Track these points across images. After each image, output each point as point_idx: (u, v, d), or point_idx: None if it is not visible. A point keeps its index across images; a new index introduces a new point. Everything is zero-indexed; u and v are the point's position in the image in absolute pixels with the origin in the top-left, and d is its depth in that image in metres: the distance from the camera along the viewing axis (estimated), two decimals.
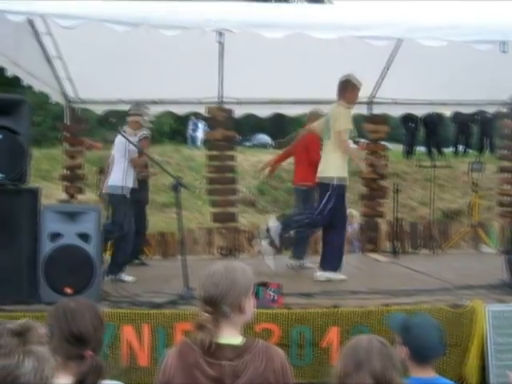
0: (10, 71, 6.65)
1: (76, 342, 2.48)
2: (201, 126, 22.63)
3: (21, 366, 1.40)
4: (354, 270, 6.94)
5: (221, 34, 5.28)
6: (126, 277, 6.30)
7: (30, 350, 1.44)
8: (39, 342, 1.49)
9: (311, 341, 4.69)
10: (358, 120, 10.18)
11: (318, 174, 6.48)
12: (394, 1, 6.12)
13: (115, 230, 6.31)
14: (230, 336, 2.46)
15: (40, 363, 1.44)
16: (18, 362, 1.40)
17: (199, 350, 2.42)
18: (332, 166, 6.35)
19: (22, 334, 1.47)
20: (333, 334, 4.70)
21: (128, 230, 6.39)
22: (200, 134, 23.41)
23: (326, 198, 6.30)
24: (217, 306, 2.45)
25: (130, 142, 6.25)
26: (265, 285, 4.87)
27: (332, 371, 2.31)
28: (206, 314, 2.44)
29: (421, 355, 3.17)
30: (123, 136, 6.31)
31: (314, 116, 7.62)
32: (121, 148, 6.45)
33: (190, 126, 24.08)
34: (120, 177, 6.40)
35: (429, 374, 3.18)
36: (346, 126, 6.36)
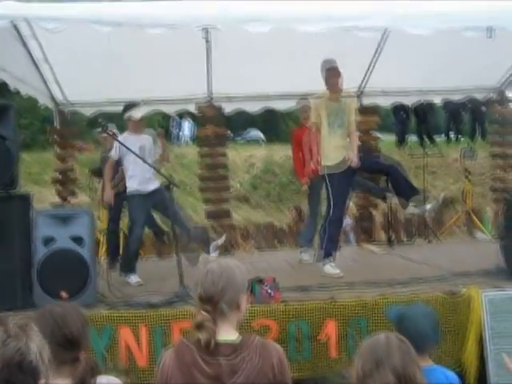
0: None
1: (69, 346, 2.47)
2: (186, 124, 22.54)
3: (28, 348, 1.59)
4: (350, 262, 6.94)
5: (207, 30, 5.26)
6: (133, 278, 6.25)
7: (32, 337, 1.64)
8: (36, 334, 1.67)
9: (309, 335, 4.69)
10: None
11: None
12: None
13: None
14: (227, 333, 2.47)
15: (41, 348, 1.64)
16: (26, 345, 1.59)
17: (196, 348, 2.42)
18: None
19: (22, 326, 1.65)
20: (330, 327, 4.70)
21: None
22: (186, 131, 23.36)
23: None
24: (215, 304, 2.45)
25: (121, 144, 6.22)
26: (260, 281, 4.87)
27: (350, 372, 2.28)
28: (204, 313, 2.44)
29: (415, 345, 3.17)
30: (114, 138, 6.28)
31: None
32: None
33: (173, 125, 23.98)
34: None
35: (425, 362, 3.19)
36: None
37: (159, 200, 6.19)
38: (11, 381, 1.52)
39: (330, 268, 6.11)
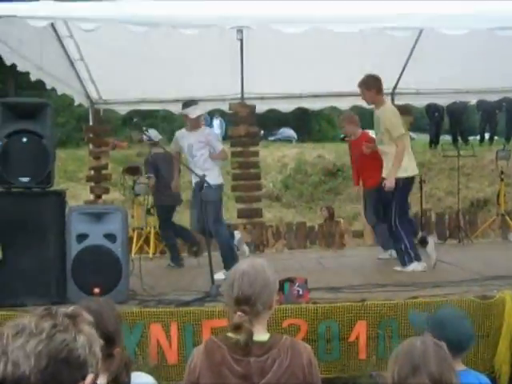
0: (34, 75, 6.74)
1: (105, 342, 2.51)
2: (218, 122, 22.59)
3: (76, 341, 1.51)
4: (381, 263, 6.91)
5: (240, 31, 5.28)
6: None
7: (82, 328, 1.56)
8: (88, 325, 1.61)
9: (339, 335, 4.67)
10: None
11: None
12: None
13: None
14: (258, 333, 2.47)
15: (91, 340, 1.57)
16: (74, 337, 1.51)
17: (226, 347, 2.44)
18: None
19: (72, 317, 1.57)
20: (360, 328, 4.68)
21: None
22: (216, 130, 23.42)
23: None
24: (252, 305, 2.46)
25: (152, 141, 6.30)
26: (291, 280, 4.87)
27: (383, 377, 2.27)
28: (241, 314, 2.44)
29: (458, 348, 3.16)
30: (147, 136, 6.35)
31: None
32: None
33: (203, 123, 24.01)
34: None
35: (459, 367, 3.16)
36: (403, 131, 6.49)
37: None
38: (57, 377, 1.45)
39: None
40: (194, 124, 6.64)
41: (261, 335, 2.48)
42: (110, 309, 2.68)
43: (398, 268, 6.36)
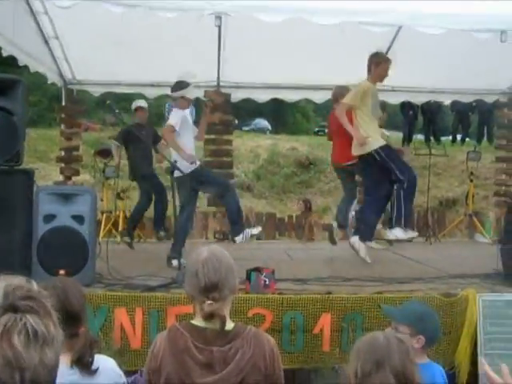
0: (6, 51, 6.60)
1: (71, 321, 2.48)
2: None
3: None
4: (349, 257, 6.94)
5: (219, 17, 5.24)
6: None
7: None
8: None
9: (303, 327, 4.69)
10: None
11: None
12: None
13: None
14: None
15: None
16: None
17: (190, 335, 2.43)
18: None
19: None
20: (325, 321, 4.70)
21: None
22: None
23: None
24: (220, 291, 2.45)
25: (125, 125, 6.23)
26: (258, 270, 4.87)
27: (346, 370, 2.26)
28: (211, 302, 2.43)
29: (432, 341, 3.28)
30: (119, 119, 6.27)
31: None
32: None
33: (168, 109, 23.85)
34: None
35: (424, 359, 3.23)
36: (346, 100, 6.33)
37: None
38: None
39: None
40: (186, 104, 6.49)
41: (226, 324, 2.48)
42: (76, 288, 2.65)
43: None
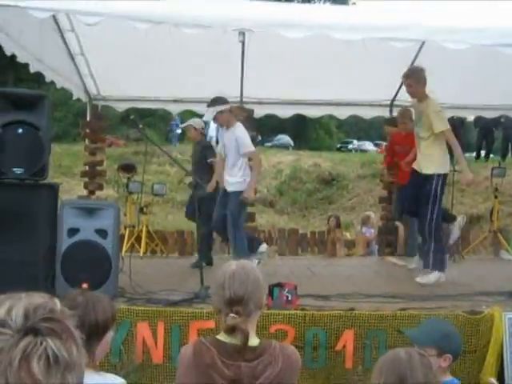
0: (34, 67, 6.71)
1: (95, 335, 2.46)
2: (213, 125, 22.63)
3: None
4: (371, 274, 6.90)
5: (243, 33, 5.28)
6: None
7: None
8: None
9: (326, 343, 4.66)
10: (379, 123, 10.13)
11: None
12: (418, 1, 6.02)
13: None
14: (250, 336, 2.44)
15: None
16: None
17: (216, 350, 2.41)
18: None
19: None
20: (348, 337, 4.66)
21: None
22: (211, 133, 23.63)
23: None
24: (245, 305, 2.43)
25: (149, 140, 6.28)
26: (280, 285, 4.85)
27: None
28: (234, 315, 2.41)
29: (457, 357, 3.27)
30: (143, 134, 6.33)
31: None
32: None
33: (173, 124, 24.25)
34: None
35: (447, 376, 3.19)
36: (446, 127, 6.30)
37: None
38: None
39: None
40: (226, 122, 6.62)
41: (252, 339, 2.45)
42: (104, 298, 2.62)
43: (420, 279, 6.15)
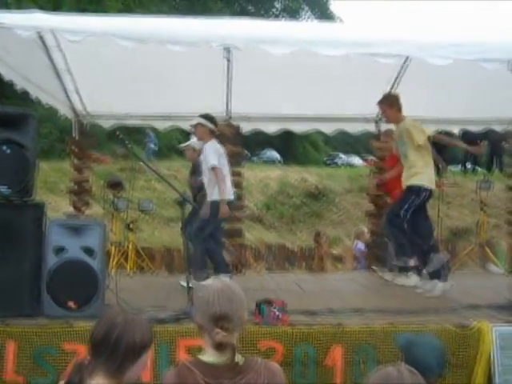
0: (20, 85, 6.68)
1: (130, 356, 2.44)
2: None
3: None
4: (360, 288, 6.90)
5: (228, 50, 5.29)
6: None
7: None
8: None
9: (315, 359, 4.64)
10: (366, 137, 10.18)
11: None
12: (402, 18, 6.09)
13: None
14: None
15: None
16: None
17: (199, 371, 2.41)
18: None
19: None
20: (337, 353, 4.65)
21: None
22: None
23: None
24: (230, 321, 2.45)
25: (136, 157, 6.27)
26: (269, 302, 4.83)
27: None
28: (221, 331, 2.43)
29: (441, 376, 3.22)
30: (130, 151, 6.32)
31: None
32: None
33: (148, 139, 24.62)
34: None
35: None
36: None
37: None
38: None
39: None
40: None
41: (235, 356, 2.47)
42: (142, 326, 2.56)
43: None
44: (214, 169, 6.56)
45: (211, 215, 6.52)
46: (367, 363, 4.59)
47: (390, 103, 6.64)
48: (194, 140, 7.07)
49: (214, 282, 2.59)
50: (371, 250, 9.29)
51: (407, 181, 6.50)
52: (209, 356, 2.46)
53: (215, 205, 6.49)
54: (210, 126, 6.72)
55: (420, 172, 6.42)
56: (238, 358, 2.47)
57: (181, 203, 5.66)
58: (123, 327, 2.39)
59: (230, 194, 6.67)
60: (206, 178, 6.64)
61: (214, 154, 6.60)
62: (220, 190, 6.51)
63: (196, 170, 7.39)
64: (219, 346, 2.42)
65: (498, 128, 9.84)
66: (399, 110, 6.63)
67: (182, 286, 5.98)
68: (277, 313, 4.78)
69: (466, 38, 5.28)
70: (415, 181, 6.41)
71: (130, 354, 2.39)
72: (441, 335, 4.62)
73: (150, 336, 2.49)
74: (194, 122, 6.77)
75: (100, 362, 2.35)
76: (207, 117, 6.79)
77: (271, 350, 4.56)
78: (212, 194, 6.55)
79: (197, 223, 6.58)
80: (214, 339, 2.44)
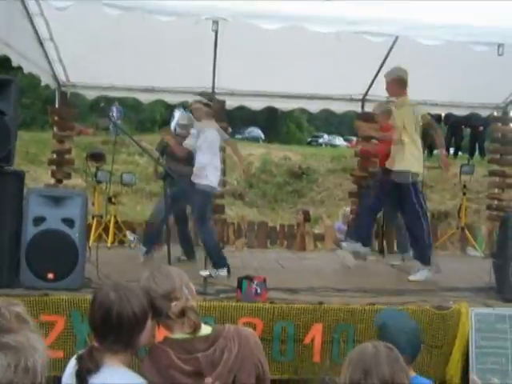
0: (0, 51, 6.53)
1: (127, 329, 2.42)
2: (179, 113, 22.57)
3: None
4: (341, 268, 6.91)
5: (216, 22, 5.20)
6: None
7: None
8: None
9: (294, 337, 4.65)
10: (350, 118, 10.14)
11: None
12: None
13: None
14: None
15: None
16: None
17: (171, 349, 2.42)
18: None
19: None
20: (316, 331, 4.66)
21: None
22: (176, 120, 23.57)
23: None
24: (180, 290, 2.50)
25: (119, 128, 6.18)
26: (249, 278, 4.82)
27: (337, 381, 2.26)
28: (173, 303, 2.46)
29: (415, 358, 3.23)
30: (113, 122, 6.24)
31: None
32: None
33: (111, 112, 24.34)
34: None
35: (411, 373, 3.17)
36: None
37: None
38: None
39: None
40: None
41: (203, 329, 2.48)
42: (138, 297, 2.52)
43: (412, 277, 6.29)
44: (227, 142, 6.80)
45: (206, 201, 6.44)
46: (347, 342, 4.60)
47: (399, 79, 6.63)
48: (187, 142, 6.89)
49: (143, 274, 2.59)
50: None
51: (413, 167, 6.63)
52: (177, 334, 2.46)
53: (208, 190, 6.34)
54: (208, 109, 6.61)
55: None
56: (207, 330, 2.48)
57: (163, 177, 5.61)
58: (120, 304, 2.34)
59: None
60: (203, 157, 6.40)
61: (218, 131, 6.55)
62: (239, 159, 7.11)
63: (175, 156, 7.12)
64: (182, 314, 2.44)
65: (483, 113, 9.86)
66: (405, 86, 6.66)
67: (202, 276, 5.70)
68: (257, 289, 4.77)
69: (457, 20, 5.21)
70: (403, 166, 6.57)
71: (135, 325, 2.37)
72: (420, 316, 4.65)
73: (148, 301, 2.45)
74: (197, 105, 6.61)
75: (109, 343, 2.33)
76: (207, 97, 6.76)
77: (250, 325, 4.53)
78: (206, 177, 6.28)
79: (195, 214, 6.44)
80: (175, 313, 2.45)
